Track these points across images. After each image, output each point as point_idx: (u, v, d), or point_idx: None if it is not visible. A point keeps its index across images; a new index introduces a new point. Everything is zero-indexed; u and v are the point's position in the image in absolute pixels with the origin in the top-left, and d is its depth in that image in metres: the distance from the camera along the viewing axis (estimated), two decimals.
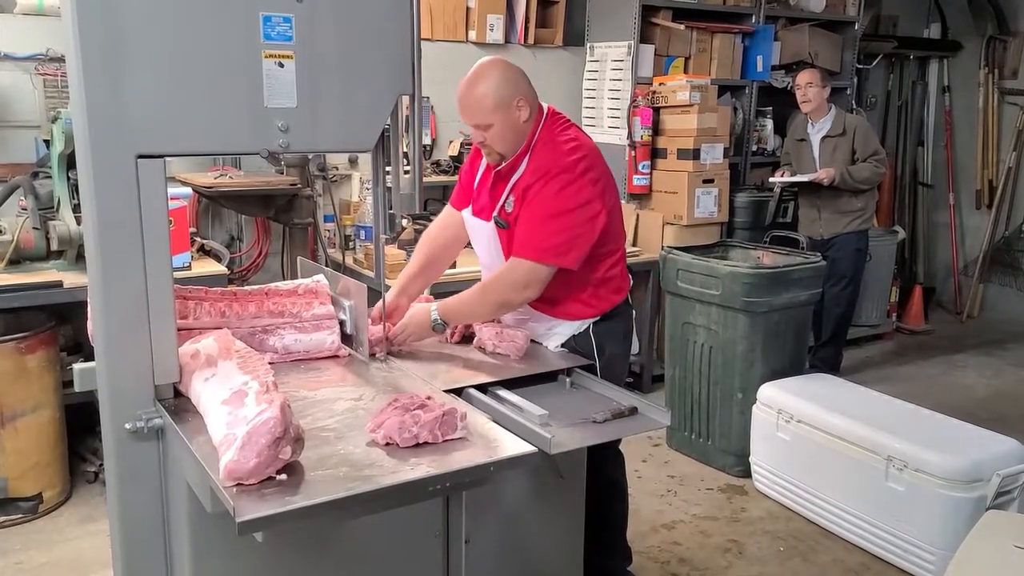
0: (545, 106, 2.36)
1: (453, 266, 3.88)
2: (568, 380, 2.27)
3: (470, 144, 4.74)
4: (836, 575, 3.06)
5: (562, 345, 2.42)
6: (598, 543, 2.59)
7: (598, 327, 2.43)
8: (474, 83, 2.25)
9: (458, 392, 2.03)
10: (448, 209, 2.65)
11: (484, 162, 2.44)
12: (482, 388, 2.09)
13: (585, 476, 2.26)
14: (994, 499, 2.84)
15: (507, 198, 2.35)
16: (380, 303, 2.27)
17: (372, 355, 2.19)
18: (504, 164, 2.33)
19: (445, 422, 1.68)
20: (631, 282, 2.56)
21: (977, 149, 6.73)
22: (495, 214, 2.39)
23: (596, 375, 2.31)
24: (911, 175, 6.94)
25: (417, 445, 1.64)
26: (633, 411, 2.05)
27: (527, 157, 2.30)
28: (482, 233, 2.48)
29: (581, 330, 2.42)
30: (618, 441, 2.61)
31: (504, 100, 2.23)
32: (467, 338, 2.46)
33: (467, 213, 2.53)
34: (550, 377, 2.28)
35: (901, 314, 6.22)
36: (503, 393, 2.08)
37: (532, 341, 2.41)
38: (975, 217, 6.85)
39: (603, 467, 2.54)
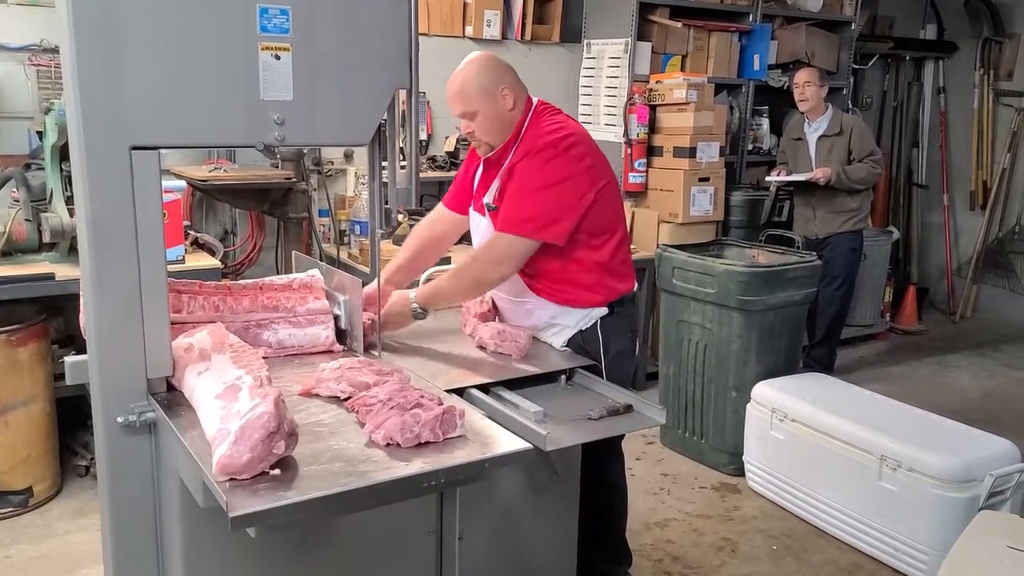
0: (535, 99, 2.37)
1: (448, 260, 3.88)
2: (563, 379, 2.23)
3: (466, 140, 4.75)
4: (829, 574, 3.06)
5: (568, 342, 2.38)
6: (598, 545, 2.57)
7: (606, 322, 2.37)
8: (460, 73, 2.29)
9: (460, 392, 1.98)
10: (440, 207, 2.65)
11: (481, 164, 2.44)
12: (483, 388, 2.05)
13: (579, 473, 2.25)
14: (987, 499, 2.85)
15: (496, 183, 2.36)
16: (366, 290, 2.25)
17: (367, 348, 2.17)
18: (493, 153, 2.34)
19: (445, 420, 1.66)
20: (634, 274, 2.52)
21: (972, 150, 6.74)
22: (486, 200, 2.39)
23: (601, 375, 2.27)
24: (906, 176, 6.95)
25: (419, 445, 1.63)
26: (628, 409, 2.05)
27: (516, 144, 2.31)
28: (480, 226, 2.47)
29: (588, 325, 2.37)
30: (619, 444, 2.59)
31: (488, 87, 2.25)
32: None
33: (472, 216, 2.52)
34: (553, 376, 2.23)
35: (895, 314, 6.24)
36: (503, 393, 2.06)
37: (536, 339, 2.36)
38: (969, 218, 6.87)
39: (604, 469, 2.52)
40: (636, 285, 2.50)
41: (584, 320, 2.37)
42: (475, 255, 2.32)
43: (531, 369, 2.20)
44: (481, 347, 2.33)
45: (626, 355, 2.47)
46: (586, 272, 2.34)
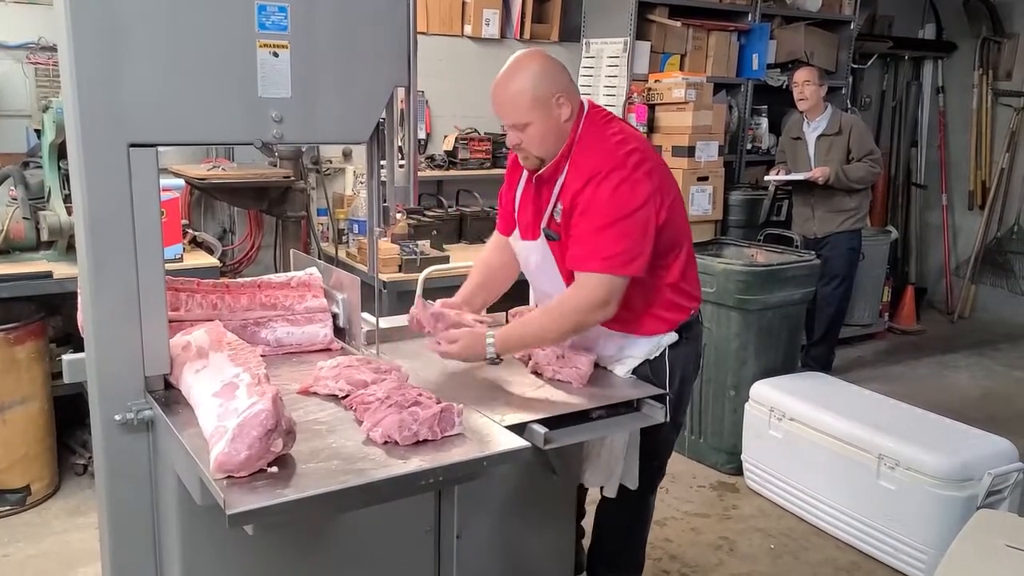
0: (585, 101, 2.15)
1: (446, 260, 3.87)
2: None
3: (465, 139, 4.74)
4: (827, 573, 3.06)
5: (634, 370, 2.19)
6: (615, 556, 2.54)
7: (674, 351, 2.20)
8: (510, 77, 2.06)
9: (519, 428, 1.81)
10: (496, 235, 2.47)
11: (523, 180, 2.24)
12: (546, 423, 1.86)
13: (578, 474, 2.25)
14: (985, 498, 2.85)
15: (554, 206, 2.12)
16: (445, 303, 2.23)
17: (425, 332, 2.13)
18: (545, 168, 2.13)
19: (443, 418, 1.66)
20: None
21: (970, 150, 6.74)
22: (543, 225, 2.17)
23: (666, 404, 2.09)
24: (904, 175, 6.96)
25: (417, 443, 1.62)
26: (628, 408, 2.04)
27: (569, 158, 2.09)
28: (532, 253, 2.24)
29: (657, 354, 2.19)
30: (664, 470, 2.48)
31: (543, 97, 2.03)
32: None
33: (514, 238, 2.31)
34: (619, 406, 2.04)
35: (893, 314, 6.24)
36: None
37: (597, 365, 2.17)
38: (968, 218, 6.87)
39: (644, 498, 2.41)
40: (701, 299, 2.32)
41: (652, 348, 2.20)
42: (570, 297, 2.06)
43: (597, 400, 2.01)
44: (536, 372, 2.13)
45: (688, 383, 2.32)
46: (657, 295, 2.16)
